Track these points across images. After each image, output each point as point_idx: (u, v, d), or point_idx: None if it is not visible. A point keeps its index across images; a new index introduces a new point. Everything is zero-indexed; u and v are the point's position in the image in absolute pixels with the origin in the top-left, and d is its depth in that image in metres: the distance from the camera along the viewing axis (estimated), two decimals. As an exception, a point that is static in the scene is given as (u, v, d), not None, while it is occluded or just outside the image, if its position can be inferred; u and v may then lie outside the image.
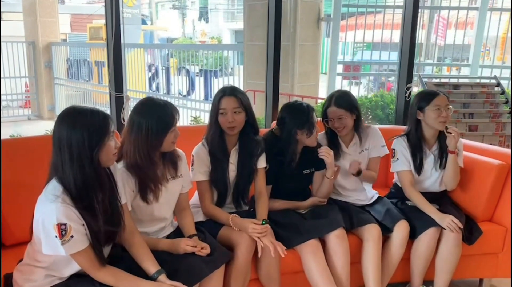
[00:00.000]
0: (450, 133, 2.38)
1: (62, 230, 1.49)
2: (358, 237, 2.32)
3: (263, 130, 2.50)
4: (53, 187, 1.54)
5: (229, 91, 2.17)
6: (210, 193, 2.21)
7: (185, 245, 1.87)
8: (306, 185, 2.51)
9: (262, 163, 2.29)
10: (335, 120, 2.43)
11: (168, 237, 2.05)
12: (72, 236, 1.50)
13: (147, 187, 1.91)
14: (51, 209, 1.49)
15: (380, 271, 2.28)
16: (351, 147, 2.53)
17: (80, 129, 1.52)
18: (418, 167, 2.50)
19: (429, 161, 2.51)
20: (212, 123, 2.18)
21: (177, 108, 1.96)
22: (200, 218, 2.23)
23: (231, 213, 2.17)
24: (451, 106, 2.44)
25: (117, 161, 1.90)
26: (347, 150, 2.52)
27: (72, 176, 1.53)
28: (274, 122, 2.46)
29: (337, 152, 2.49)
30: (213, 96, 2.27)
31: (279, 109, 2.48)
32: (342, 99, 2.43)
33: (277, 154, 2.32)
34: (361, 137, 2.52)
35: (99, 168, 1.59)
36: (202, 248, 1.88)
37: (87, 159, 1.53)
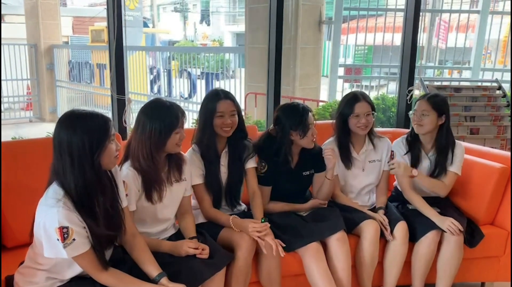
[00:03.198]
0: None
1: (64, 233, 1.49)
2: (359, 238, 2.31)
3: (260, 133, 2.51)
4: (54, 191, 1.54)
5: (224, 95, 2.18)
6: (208, 196, 2.22)
7: (187, 247, 1.87)
8: (306, 187, 2.51)
9: (251, 163, 2.31)
10: (362, 117, 2.39)
11: (170, 238, 2.06)
12: (74, 239, 1.50)
13: (152, 186, 1.93)
14: (52, 212, 1.49)
15: (373, 268, 2.29)
16: (362, 153, 2.52)
17: (80, 133, 1.52)
18: (414, 167, 2.49)
19: (425, 164, 2.51)
20: (206, 126, 2.18)
21: (184, 110, 1.96)
22: (201, 219, 2.24)
23: (229, 215, 2.17)
24: (428, 113, 2.41)
25: (124, 160, 1.93)
26: (357, 156, 2.51)
27: (73, 180, 1.53)
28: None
29: (348, 159, 2.49)
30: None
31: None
32: (367, 97, 2.45)
33: (274, 154, 2.32)
34: (374, 144, 2.52)
35: (100, 172, 1.59)
36: (202, 250, 1.88)
37: (88, 163, 1.53)
